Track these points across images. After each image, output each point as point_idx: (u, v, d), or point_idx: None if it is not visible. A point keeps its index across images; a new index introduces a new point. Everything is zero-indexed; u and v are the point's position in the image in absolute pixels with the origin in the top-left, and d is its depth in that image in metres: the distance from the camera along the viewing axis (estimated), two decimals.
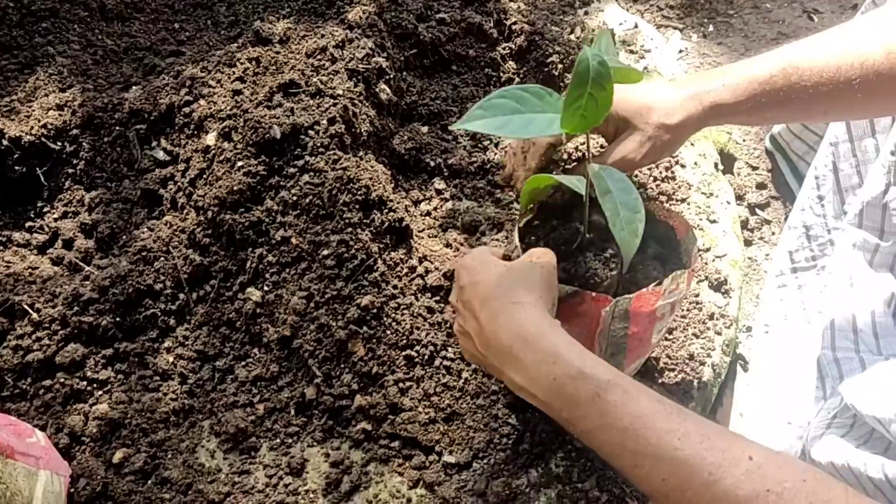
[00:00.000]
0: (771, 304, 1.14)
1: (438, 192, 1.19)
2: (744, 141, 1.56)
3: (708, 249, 1.17)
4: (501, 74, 1.32)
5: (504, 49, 1.33)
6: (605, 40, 0.71)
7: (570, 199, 0.91)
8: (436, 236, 1.13)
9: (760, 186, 1.48)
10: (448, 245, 1.11)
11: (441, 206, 1.17)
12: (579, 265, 0.83)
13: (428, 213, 1.16)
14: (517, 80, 1.32)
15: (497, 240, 1.14)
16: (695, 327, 1.06)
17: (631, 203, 0.72)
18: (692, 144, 1.32)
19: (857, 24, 0.86)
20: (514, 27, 1.33)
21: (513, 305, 0.73)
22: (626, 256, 0.72)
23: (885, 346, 0.94)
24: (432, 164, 1.21)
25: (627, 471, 0.66)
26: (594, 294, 0.79)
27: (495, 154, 1.24)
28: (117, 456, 0.93)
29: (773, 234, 1.43)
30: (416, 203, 1.17)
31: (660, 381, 1.01)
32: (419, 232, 1.12)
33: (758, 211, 1.45)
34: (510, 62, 1.33)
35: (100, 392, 0.98)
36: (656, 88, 0.90)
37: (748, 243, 1.40)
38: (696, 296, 1.10)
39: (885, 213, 0.98)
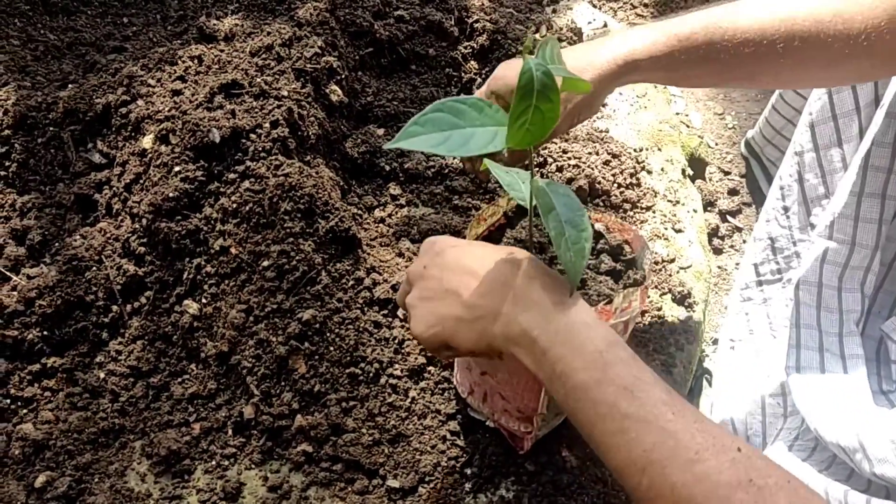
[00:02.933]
0: (737, 318, 1.10)
1: (394, 197, 1.14)
2: (716, 145, 1.51)
3: (672, 260, 1.12)
4: (463, 74, 1.27)
5: (465, 48, 1.28)
6: (549, 48, 0.66)
7: (517, 210, 0.86)
8: (388, 245, 1.08)
9: (732, 192, 1.43)
10: (401, 255, 1.06)
11: (396, 213, 1.12)
12: None
13: (382, 221, 1.11)
14: (479, 80, 1.27)
15: None
16: (655, 342, 1.02)
17: (577, 221, 0.67)
18: (659, 150, 1.27)
19: None
20: (475, 25, 1.28)
21: (534, 262, 0.70)
22: (572, 280, 0.67)
23: (851, 367, 0.90)
24: (388, 168, 1.16)
25: (610, 437, 0.62)
26: None
27: (454, 159, 1.19)
28: (40, 480, 0.88)
29: (744, 242, 1.39)
30: (370, 209, 1.12)
31: None
32: (371, 240, 1.06)
33: (729, 218, 1.40)
34: (472, 62, 1.27)
35: (24, 411, 0.93)
36: (569, 51, 0.86)
37: (718, 252, 1.36)
38: (659, 309, 1.05)
39: (856, 224, 0.95)
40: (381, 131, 1.18)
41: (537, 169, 1.17)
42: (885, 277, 0.99)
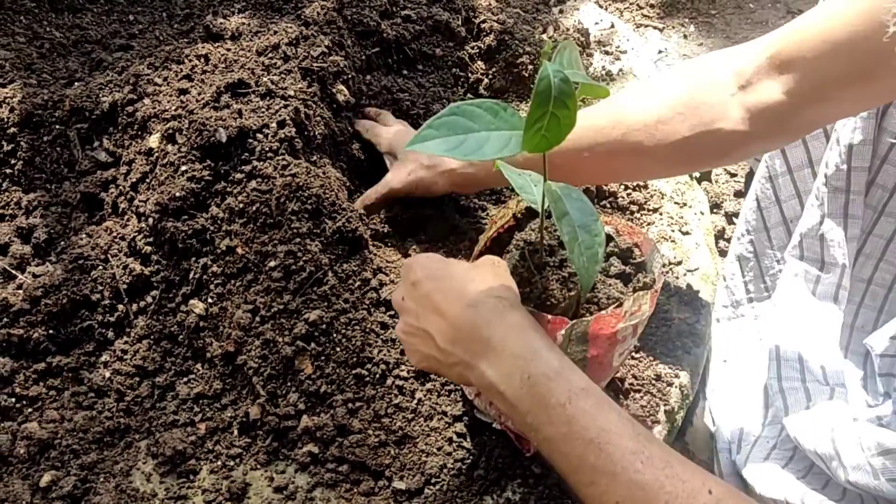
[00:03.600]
0: (729, 335, 1.10)
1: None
2: None
3: (679, 263, 1.12)
4: (469, 75, 1.27)
5: (472, 48, 1.27)
6: (567, 53, 0.66)
7: (526, 213, 0.86)
8: (395, 246, 1.07)
9: (738, 195, 1.43)
10: (407, 255, 1.06)
11: (402, 214, 1.12)
12: (535, 285, 0.77)
13: (387, 221, 1.10)
14: (486, 80, 1.27)
15: (460, 249, 1.09)
16: (663, 346, 1.01)
17: (590, 226, 0.67)
18: None
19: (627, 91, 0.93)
20: (483, 25, 1.28)
21: (495, 299, 0.70)
22: (585, 285, 0.67)
23: (832, 376, 0.91)
24: None
25: (583, 487, 0.64)
26: (549, 317, 0.74)
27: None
28: (45, 479, 0.87)
29: None
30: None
31: (625, 402, 0.96)
32: (377, 241, 1.06)
33: (735, 220, 1.40)
34: (479, 62, 1.27)
35: (30, 409, 0.92)
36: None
37: (724, 254, 1.35)
38: (666, 312, 1.05)
39: (822, 244, 0.97)
40: None
41: None
42: (866, 293, 1.01)
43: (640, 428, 0.65)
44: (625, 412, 0.66)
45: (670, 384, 0.98)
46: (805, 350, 0.94)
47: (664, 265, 1.10)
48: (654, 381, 0.98)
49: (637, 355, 1.00)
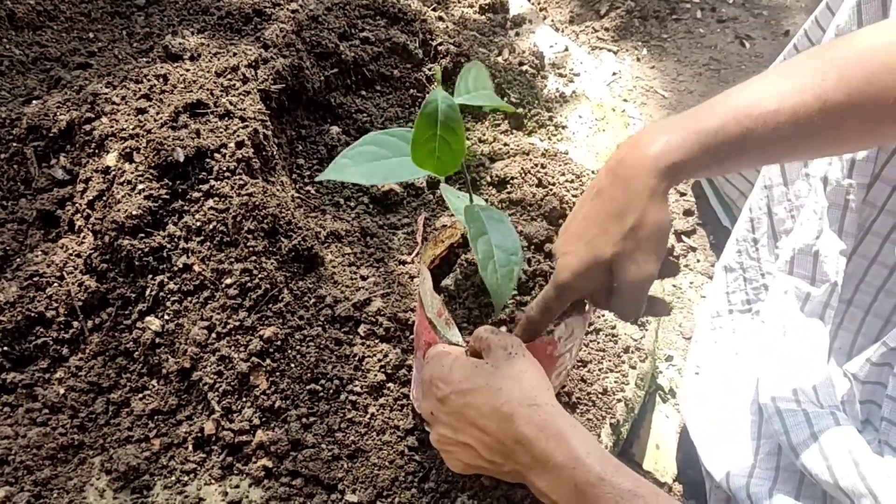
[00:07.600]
0: (704, 346, 1.10)
1: (357, 215, 1.16)
2: None
3: None
4: (427, 95, 1.30)
5: (430, 70, 1.30)
6: (473, 73, 0.69)
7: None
8: (351, 264, 1.10)
9: (687, 213, 1.48)
10: (363, 278, 1.08)
11: (358, 228, 1.14)
12: (473, 310, 0.80)
13: (340, 238, 1.12)
14: None
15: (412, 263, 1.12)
16: (609, 360, 1.05)
17: (507, 245, 0.69)
18: None
19: (800, 63, 0.75)
20: (439, 48, 1.31)
21: (528, 408, 0.69)
22: (498, 303, 0.69)
23: (823, 397, 0.90)
24: (351, 188, 1.18)
25: None
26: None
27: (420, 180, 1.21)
28: None
29: (699, 261, 1.43)
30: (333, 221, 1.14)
31: (572, 416, 0.99)
32: (333, 258, 1.08)
33: (684, 238, 1.45)
34: (435, 83, 1.30)
35: None
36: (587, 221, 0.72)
37: None
38: (613, 328, 1.09)
39: (816, 260, 0.96)
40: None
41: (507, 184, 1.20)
42: (845, 314, 0.99)
43: None
44: (675, 502, 0.66)
45: (616, 398, 1.02)
46: (794, 369, 0.92)
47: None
48: (600, 395, 1.01)
49: (583, 370, 1.04)
